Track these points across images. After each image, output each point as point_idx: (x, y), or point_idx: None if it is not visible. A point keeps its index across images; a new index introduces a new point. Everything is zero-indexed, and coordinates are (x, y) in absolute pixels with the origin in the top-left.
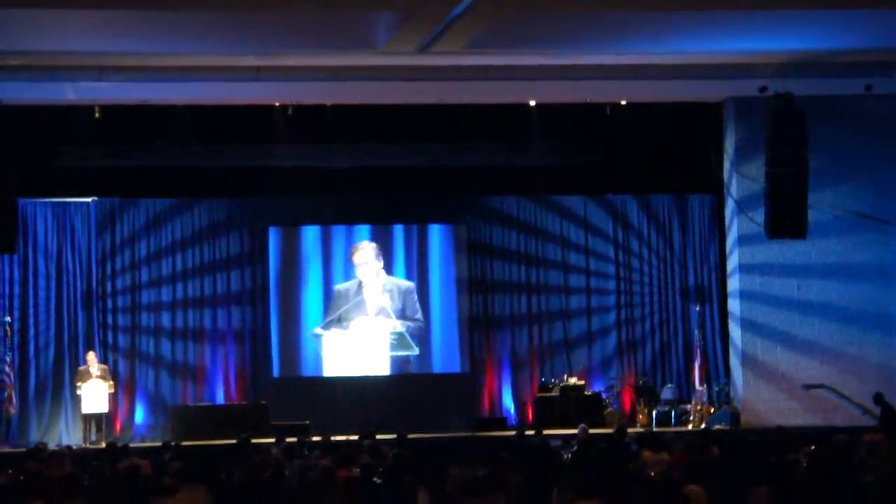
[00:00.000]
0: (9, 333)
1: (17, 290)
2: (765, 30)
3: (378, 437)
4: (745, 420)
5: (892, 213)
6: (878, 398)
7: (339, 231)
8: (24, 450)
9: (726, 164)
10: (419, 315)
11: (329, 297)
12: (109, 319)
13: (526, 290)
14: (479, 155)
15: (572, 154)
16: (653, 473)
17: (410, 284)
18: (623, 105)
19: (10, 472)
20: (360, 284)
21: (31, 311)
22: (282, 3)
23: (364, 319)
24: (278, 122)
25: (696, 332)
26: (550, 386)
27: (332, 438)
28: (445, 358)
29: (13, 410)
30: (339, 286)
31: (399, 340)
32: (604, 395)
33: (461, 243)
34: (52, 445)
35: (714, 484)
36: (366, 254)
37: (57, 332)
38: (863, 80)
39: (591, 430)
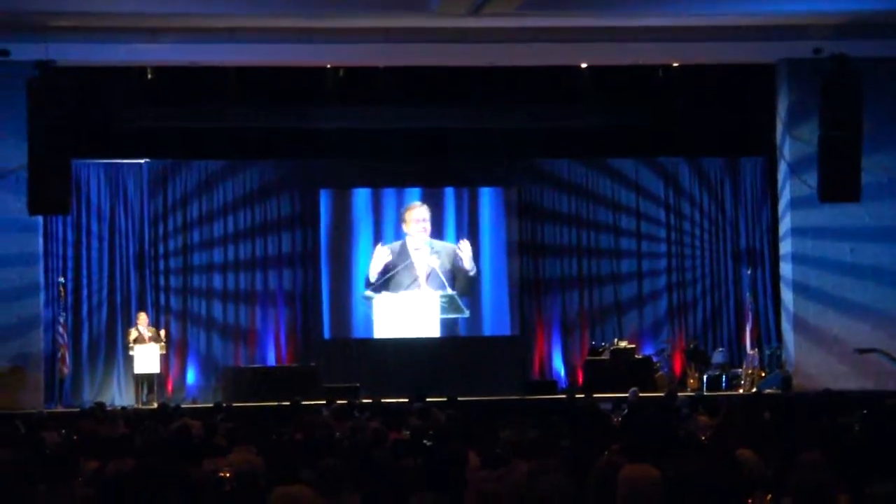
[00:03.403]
0: (62, 294)
1: (70, 251)
2: None
3: (428, 399)
4: (796, 384)
5: None
6: None
7: (389, 194)
8: (77, 409)
9: (779, 127)
10: (469, 265)
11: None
12: (161, 281)
13: (577, 253)
14: (531, 117)
15: (624, 116)
16: (703, 437)
17: (453, 246)
18: (675, 67)
19: (63, 431)
20: (403, 245)
21: (85, 271)
22: None
23: (415, 283)
24: (330, 84)
25: (747, 295)
26: (601, 349)
27: (383, 401)
28: (496, 321)
29: (66, 370)
30: (383, 247)
31: (449, 303)
32: (654, 359)
33: (512, 206)
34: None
35: (765, 448)
36: (423, 211)
37: (110, 293)
38: None
39: (642, 394)
